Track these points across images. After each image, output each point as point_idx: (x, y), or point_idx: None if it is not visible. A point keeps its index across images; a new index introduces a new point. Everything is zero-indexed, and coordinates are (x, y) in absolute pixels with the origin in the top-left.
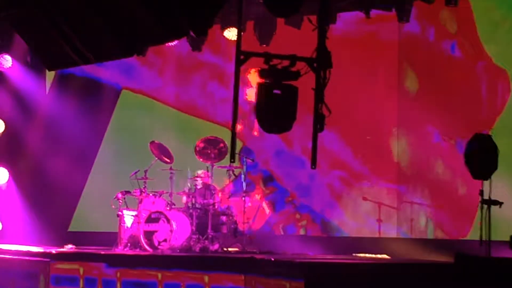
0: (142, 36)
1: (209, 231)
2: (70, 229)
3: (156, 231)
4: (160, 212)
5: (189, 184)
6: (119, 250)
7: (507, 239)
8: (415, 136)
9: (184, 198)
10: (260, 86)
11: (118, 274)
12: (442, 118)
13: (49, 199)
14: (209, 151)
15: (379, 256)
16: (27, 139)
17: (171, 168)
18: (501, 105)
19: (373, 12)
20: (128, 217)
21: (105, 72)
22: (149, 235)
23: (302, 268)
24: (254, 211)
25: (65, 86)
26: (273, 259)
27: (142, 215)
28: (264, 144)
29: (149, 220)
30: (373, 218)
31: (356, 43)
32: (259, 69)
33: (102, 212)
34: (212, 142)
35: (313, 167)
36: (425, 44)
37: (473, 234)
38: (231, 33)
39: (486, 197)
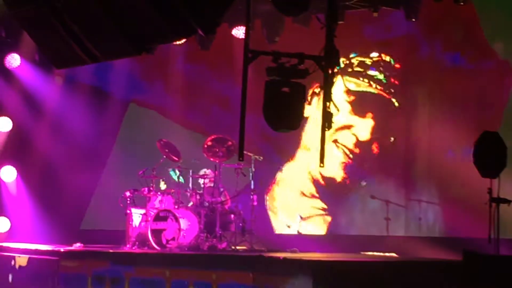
0: (150, 34)
1: (217, 229)
2: (80, 227)
3: (164, 230)
4: (168, 211)
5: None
6: (127, 248)
7: None
8: (424, 135)
9: (189, 195)
10: (268, 84)
11: (126, 272)
12: (451, 119)
13: (58, 197)
14: (217, 149)
15: (387, 254)
16: (35, 137)
17: (179, 167)
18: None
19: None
20: (136, 216)
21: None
22: (157, 233)
23: (310, 266)
24: None
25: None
26: (281, 258)
27: (150, 214)
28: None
29: (157, 218)
30: (381, 216)
31: None
32: (267, 67)
33: (111, 211)
34: (220, 140)
35: (322, 165)
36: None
37: (481, 232)
38: (239, 32)
39: (494, 195)
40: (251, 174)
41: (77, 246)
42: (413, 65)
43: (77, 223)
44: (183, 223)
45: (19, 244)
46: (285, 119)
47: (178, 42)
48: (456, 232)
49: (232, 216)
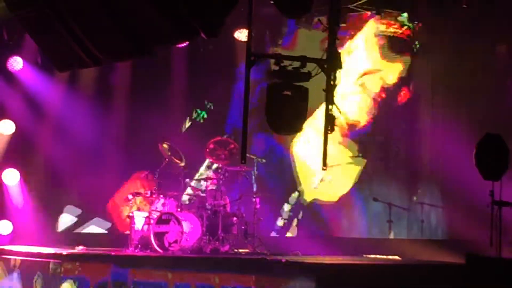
0: (153, 37)
1: (219, 232)
2: (81, 230)
3: (166, 233)
4: (171, 214)
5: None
6: (130, 251)
7: None
8: (428, 137)
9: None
10: (270, 87)
11: (129, 275)
12: (456, 119)
13: (61, 200)
14: (219, 152)
15: (389, 257)
16: (38, 140)
17: (181, 169)
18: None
19: None
20: (139, 219)
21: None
22: (159, 236)
23: (313, 269)
24: None
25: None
26: (284, 260)
27: (152, 216)
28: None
29: (160, 221)
30: (384, 219)
31: None
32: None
33: (113, 214)
34: (222, 143)
35: (324, 168)
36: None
37: (484, 235)
38: (241, 34)
39: (497, 198)
40: (253, 177)
41: (79, 249)
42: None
43: (79, 226)
44: (186, 226)
45: (21, 247)
46: (288, 123)
47: (180, 45)
48: (458, 234)
49: (235, 219)
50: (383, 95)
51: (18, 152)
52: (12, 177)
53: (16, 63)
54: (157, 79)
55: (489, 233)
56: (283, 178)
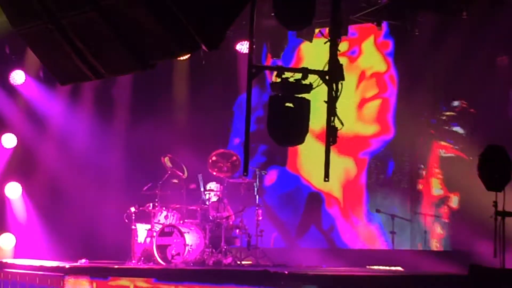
0: (155, 50)
1: (222, 244)
2: (84, 243)
3: (169, 245)
4: (174, 226)
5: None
6: (133, 264)
7: None
8: (430, 147)
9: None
10: (272, 99)
11: None
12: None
13: (64, 213)
14: (221, 164)
15: (393, 268)
16: (40, 154)
17: (184, 182)
18: None
19: None
20: (142, 231)
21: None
22: (162, 249)
23: (316, 281)
24: None
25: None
26: (286, 272)
27: (155, 229)
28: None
29: (163, 234)
30: (387, 230)
31: None
32: (271, 82)
33: (116, 226)
34: (224, 156)
35: (326, 179)
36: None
37: (487, 246)
38: (243, 47)
39: (500, 208)
40: (256, 188)
41: (82, 262)
42: None
43: (82, 239)
44: (188, 238)
45: (24, 260)
46: (290, 135)
47: (182, 58)
48: (462, 245)
49: (237, 231)
50: None
51: (20, 165)
52: (14, 190)
53: (18, 76)
54: (159, 92)
55: (493, 244)
56: None
